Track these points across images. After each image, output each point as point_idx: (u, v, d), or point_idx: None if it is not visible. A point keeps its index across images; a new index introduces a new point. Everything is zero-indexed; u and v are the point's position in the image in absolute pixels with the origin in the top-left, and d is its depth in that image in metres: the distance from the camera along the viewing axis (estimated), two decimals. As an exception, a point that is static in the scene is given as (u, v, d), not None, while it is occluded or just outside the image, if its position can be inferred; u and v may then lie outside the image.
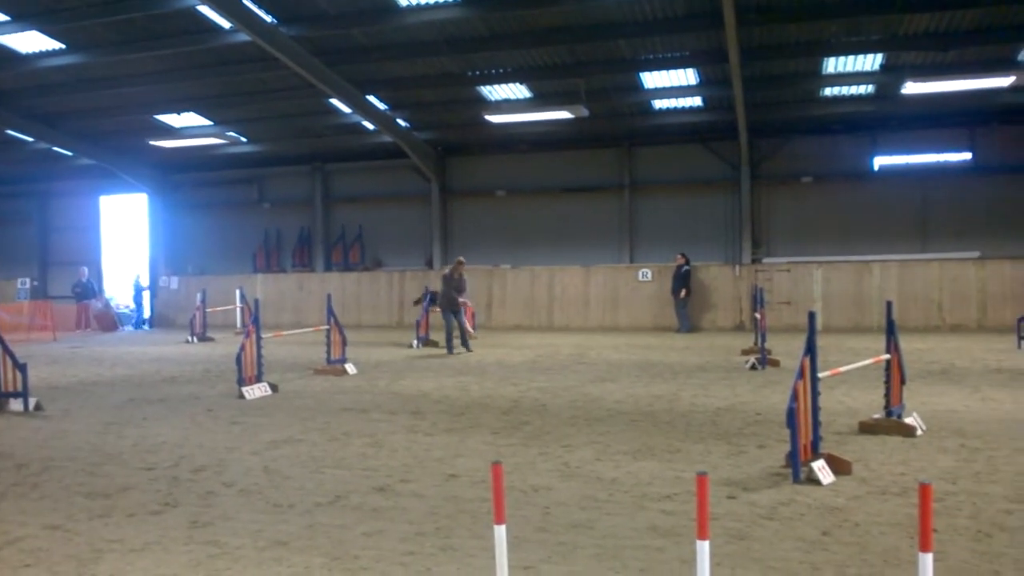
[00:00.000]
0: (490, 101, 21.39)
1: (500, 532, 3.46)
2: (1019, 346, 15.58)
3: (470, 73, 19.87)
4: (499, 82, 20.26)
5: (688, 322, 21.47)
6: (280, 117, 23.42)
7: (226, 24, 16.94)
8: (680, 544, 4.98)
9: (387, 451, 7.70)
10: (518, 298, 24.00)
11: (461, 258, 17.77)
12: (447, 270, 17.57)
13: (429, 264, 25.37)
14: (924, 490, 3.00)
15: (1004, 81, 16.99)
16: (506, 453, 7.51)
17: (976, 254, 20.84)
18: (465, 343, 16.95)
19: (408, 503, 5.97)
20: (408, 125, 23.66)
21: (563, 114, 19.58)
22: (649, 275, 22.74)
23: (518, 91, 20.91)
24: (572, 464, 7.06)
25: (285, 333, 16.27)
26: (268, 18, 16.95)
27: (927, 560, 3.00)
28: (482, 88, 20.75)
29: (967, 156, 21.33)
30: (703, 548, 3.17)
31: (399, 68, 19.75)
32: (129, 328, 27.41)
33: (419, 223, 25.80)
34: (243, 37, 16.89)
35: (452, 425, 8.92)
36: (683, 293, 21.39)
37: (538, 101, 20.95)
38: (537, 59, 18.97)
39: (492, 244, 25.07)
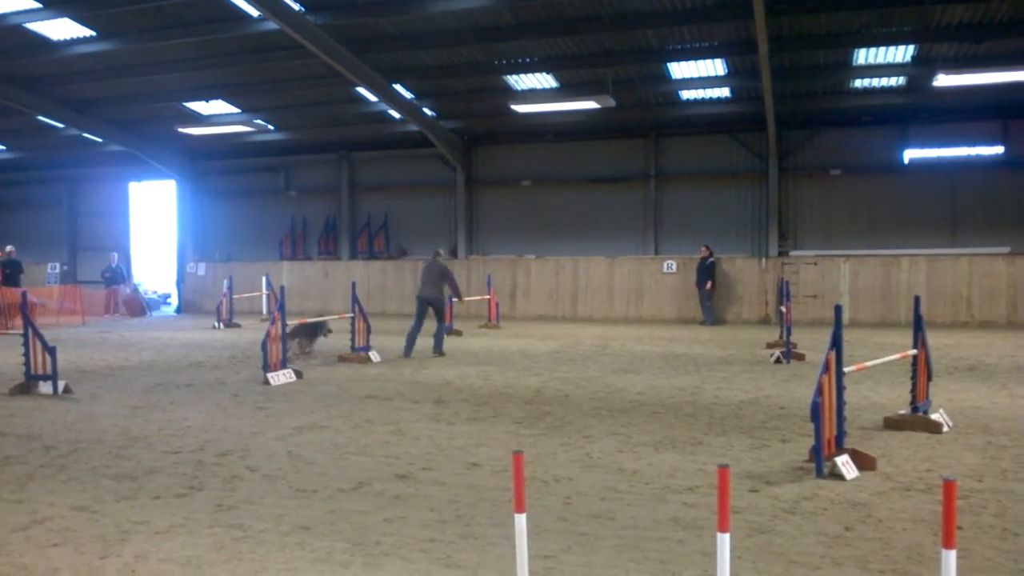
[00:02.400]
0: (516, 90, 21.33)
1: (520, 521, 3.48)
2: (1050, 343, 15.37)
3: (496, 62, 19.83)
4: (526, 71, 20.19)
5: (713, 315, 21.35)
6: (307, 105, 23.51)
7: (254, 12, 17.01)
8: (701, 537, 4.97)
9: (409, 439, 7.74)
10: (542, 288, 23.98)
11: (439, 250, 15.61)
12: (431, 260, 15.02)
13: (454, 253, 25.40)
14: (948, 487, 2.97)
15: (1038, 73, 16.66)
16: (528, 443, 7.52)
17: (1007, 249, 20.52)
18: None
19: (429, 491, 6.00)
20: (434, 114, 23.66)
21: (590, 104, 19.48)
22: (674, 267, 22.62)
23: (545, 81, 20.84)
24: (594, 455, 7.06)
25: (310, 320, 16.37)
26: (296, 6, 16.99)
27: (950, 557, 2.98)
28: (508, 77, 20.70)
29: (999, 150, 20.97)
30: (724, 541, 3.16)
31: (425, 57, 19.76)
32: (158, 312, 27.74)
33: (444, 212, 25.84)
34: (271, 25, 16.95)
35: (474, 414, 8.95)
36: (708, 285, 21.27)
37: (564, 91, 20.87)
38: (564, 48, 18.88)
39: (517, 234, 25.05)
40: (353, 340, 13.67)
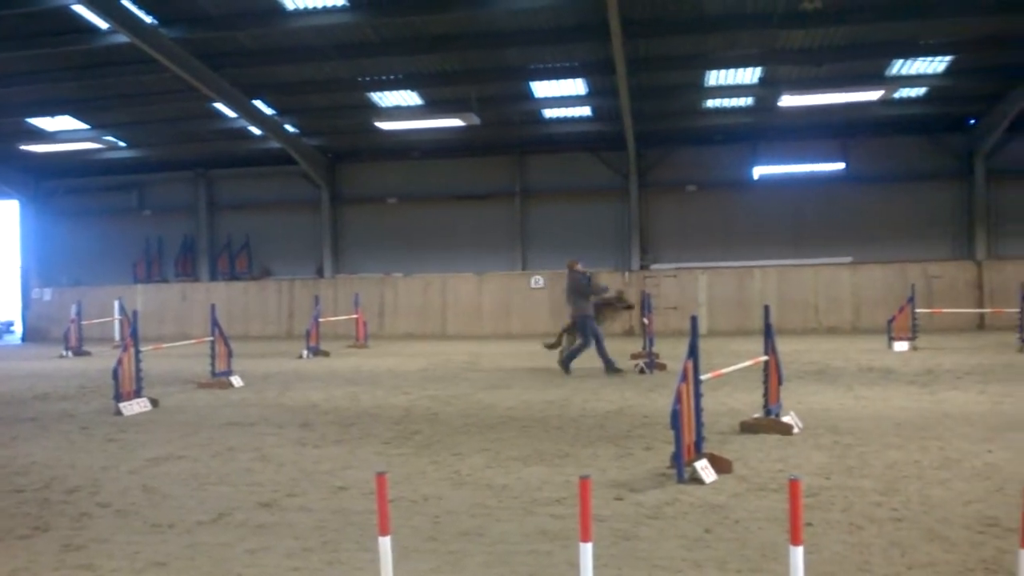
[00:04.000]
0: (381, 108, 21.20)
1: (385, 544, 3.42)
2: (889, 346, 16.45)
3: (360, 79, 19.66)
4: (390, 89, 20.12)
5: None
6: (161, 121, 22.58)
7: (103, 24, 16.24)
8: (568, 547, 5.03)
9: (274, 465, 7.50)
10: (411, 306, 23.85)
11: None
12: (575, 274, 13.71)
13: (319, 273, 24.92)
14: (793, 486, 3.13)
15: (874, 95, 17.98)
16: (396, 463, 7.43)
17: (849, 259, 21.92)
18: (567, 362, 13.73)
19: (295, 518, 5.83)
20: (297, 131, 23.21)
21: (454, 122, 19.59)
22: (542, 282, 22.97)
23: (409, 98, 20.82)
24: (463, 472, 7.05)
25: (166, 346, 15.67)
26: (148, 19, 16.33)
27: (798, 553, 3.13)
28: (372, 94, 20.56)
29: (841, 166, 22.44)
30: (586, 550, 3.21)
31: (287, 73, 19.36)
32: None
33: (309, 231, 25.32)
34: (122, 38, 16.21)
35: (342, 436, 8.77)
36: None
37: (429, 108, 20.91)
38: (428, 66, 18.92)
39: (384, 252, 24.84)
40: (213, 365, 13.15)
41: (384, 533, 3.40)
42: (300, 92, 20.43)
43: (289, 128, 22.82)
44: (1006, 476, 6.34)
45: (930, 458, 7.10)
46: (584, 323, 13.20)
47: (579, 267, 13.46)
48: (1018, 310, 16.22)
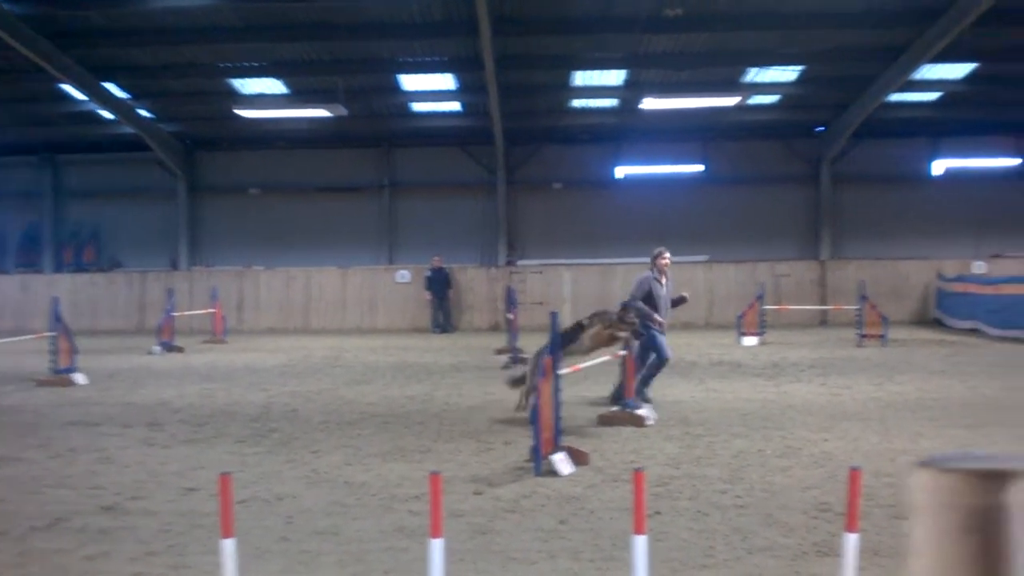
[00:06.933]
0: (243, 95, 20.48)
1: (228, 546, 3.30)
2: (739, 341, 17.24)
3: (221, 65, 18.92)
4: (253, 75, 19.49)
5: (445, 323, 21.77)
6: (3, 102, 21.04)
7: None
8: (425, 544, 4.98)
9: (118, 467, 7.13)
10: (272, 300, 23.17)
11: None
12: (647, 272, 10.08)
13: (174, 265, 23.88)
14: (638, 477, 3.22)
15: (731, 100, 18.82)
16: (251, 462, 7.21)
17: (705, 257, 22.83)
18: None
19: (139, 521, 5.57)
20: (152, 116, 22.14)
21: (321, 112, 19.17)
22: (408, 276, 22.80)
23: (274, 86, 20.21)
24: (320, 470, 6.91)
25: (3, 340, 14.63)
26: (-14, -10, 15.21)
27: (640, 541, 3.22)
28: (234, 81, 19.86)
29: (701, 168, 23.34)
30: (437, 547, 3.20)
31: (142, 55, 18.42)
32: None
33: (164, 221, 24.18)
34: (-47, 10, 15.03)
35: (193, 436, 8.43)
36: (429, 297, 21.67)
37: (295, 98, 20.37)
38: (294, 54, 18.42)
39: (245, 245, 24.03)
40: (55, 361, 12.36)
41: (227, 535, 3.28)
42: (156, 76, 19.48)
43: (144, 113, 21.73)
44: (839, 463, 6.75)
45: (773, 447, 7.49)
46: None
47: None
48: (856, 307, 17.36)
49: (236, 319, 22.27)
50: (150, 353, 16.73)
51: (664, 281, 9.95)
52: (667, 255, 10.01)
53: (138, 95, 20.86)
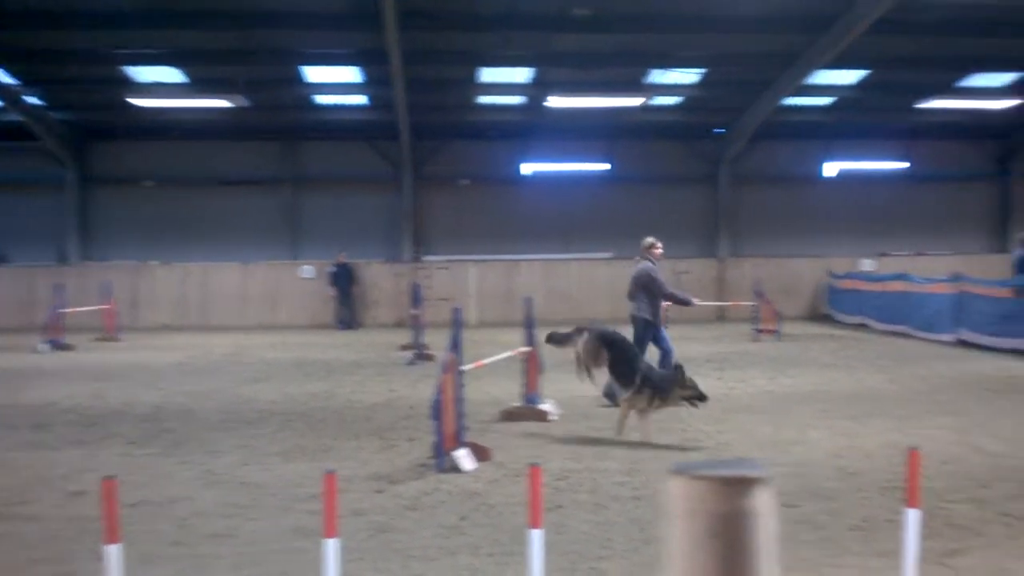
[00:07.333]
0: (139, 83, 19.70)
1: (113, 552, 3.19)
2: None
3: (115, 51, 18.14)
4: (149, 63, 18.76)
5: (350, 319, 21.52)
6: None
7: None
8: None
9: (2, 471, 6.84)
10: (169, 296, 22.42)
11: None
12: (643, 262, 10.36)
13: (63, 259, 22.84)
14: (534, 472, 3.25)
15: (635, 101, 19.18)
16: (142, 464, 6.98)
17: (609, 254, 23.20)
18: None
19: (23, 528, 5.36)
20: (43, 104, 21.09)
21: (221, 103, 18.66)
22: (312, 272, 22.42)
23: (171, 75, 19.49)
24: (217, 471, 6.73)
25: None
26: None
27: (537, 535, 3.26)
28: (128, 68, 19.08)
29: (607, 166, 23.68)
30: (331, 546, 3.17)
31: (30, 39, 17.47)
32: None
33: (52, 214, 23.06)
34: None
35: (82, 437, 8.09)
36: (333, 293, 21.43)
37: (194, 87, 19.71)
38: (193, 43, 17.81)
39: (140, 239, 23.13)
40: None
41: (113, 541, 3.16)
42: (47, 61, 18.53)
43: (34, 100, 20.69)
44: (733, 454, 6.97)
45: (670, 439, 7.67)
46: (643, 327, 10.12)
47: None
48: (753, 303, 17.96)
49: (130, 316, 21.44)
50: (36, 351, 15.96)
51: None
52: (660, 245, 10.45)
53: (27, 81, 19.82)
